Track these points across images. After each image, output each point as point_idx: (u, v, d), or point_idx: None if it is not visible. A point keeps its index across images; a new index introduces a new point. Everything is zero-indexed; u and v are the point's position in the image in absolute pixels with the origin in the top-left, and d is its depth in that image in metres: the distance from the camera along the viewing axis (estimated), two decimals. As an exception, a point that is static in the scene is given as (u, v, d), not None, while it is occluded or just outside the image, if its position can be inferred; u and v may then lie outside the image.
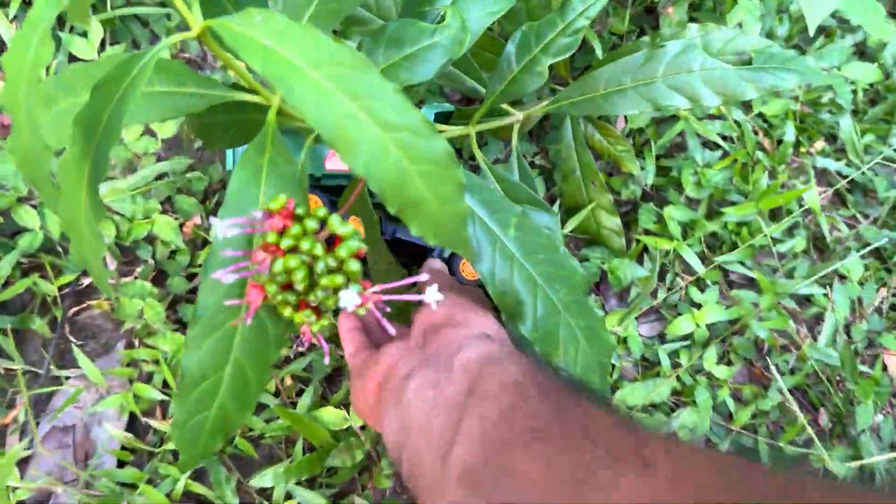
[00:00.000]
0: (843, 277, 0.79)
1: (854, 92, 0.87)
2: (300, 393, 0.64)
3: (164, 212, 0.68)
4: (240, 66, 0.37)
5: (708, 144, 0.83)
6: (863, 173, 0.84)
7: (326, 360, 0.37)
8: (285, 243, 0.33)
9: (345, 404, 0.63)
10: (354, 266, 0.34)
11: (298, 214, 0.34)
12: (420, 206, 0.32)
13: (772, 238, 0.78)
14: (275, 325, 0.38)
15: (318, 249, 0.33)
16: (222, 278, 0.34)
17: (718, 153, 0.81)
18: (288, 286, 0.35)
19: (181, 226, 0.68)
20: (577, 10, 0.54)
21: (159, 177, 0.69)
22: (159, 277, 0.68)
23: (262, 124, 0.39)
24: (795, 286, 0.76)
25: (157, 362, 0.64)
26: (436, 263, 0.56)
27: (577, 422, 0.29)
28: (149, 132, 0.71)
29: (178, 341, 0.64)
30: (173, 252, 0.68)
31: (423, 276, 0.36)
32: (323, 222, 0.34)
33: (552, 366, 0.42)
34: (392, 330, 0.35)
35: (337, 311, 0.38)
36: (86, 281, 0.68)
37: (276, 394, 0.65)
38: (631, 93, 0.62)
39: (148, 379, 0.65)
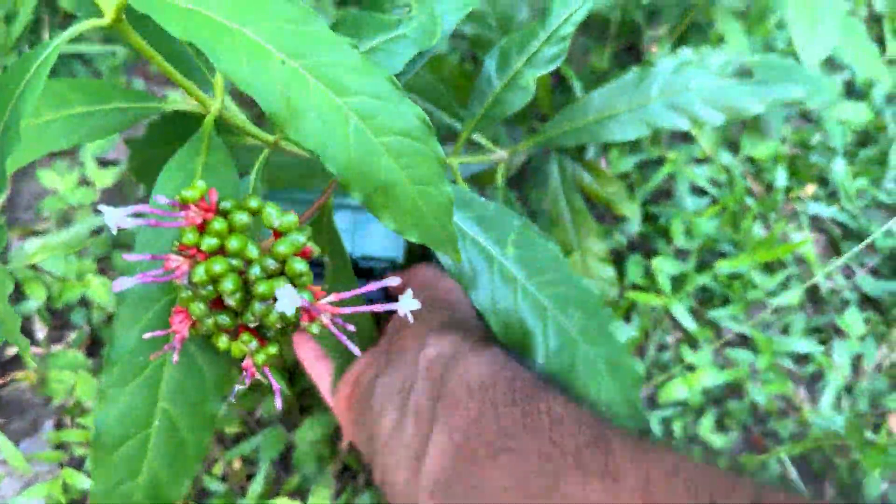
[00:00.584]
0: (839, 332, 0.74)
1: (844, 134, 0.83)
2: (251, 476, 0.57)
3: (101, 270, 0.61)
4: (166, 65, 0.30)
5: (696, 190, 0.78)
6: (856, 219, 0.79)
7: (279, 404, 0.30)
8: (207, 243, 0.26)
9: (300, 492, 0.56)
10: (299, 266, 0.27)
11: (224, 209, 0.27)
12: (392, 190, 0.26)
13: (765, 291, 0.73)
14: (212, 365, 0.31)
15: (252, 250, 0.26)
16: (124, 285, 0.27)
17: (706, 199, 0.77)
18: (218, 304, 0.28)
19: (120, 287, 0.61)
20: (561, 17, 0.48)
21: (97, 231, 0.62)
22: (95, 344, 0.61)
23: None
24: (792, 343, 0.71)
25: (89, 444, 0.57)
26: (432, 265, 0.50)
27: (544, 429, 0.29)
28: (85, 182, 0.64)
29: (114, 420, 0.56)
30: (111, 316, 0.60)
31: (393, 280, 0.29)
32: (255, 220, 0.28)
33: (517, 353, 0.38)
34: (357, 350, 0.29)
35: (286, 332, 0.30)
36: (11, 350, 0.60)
37: (224, 478, 0.57)
38: (626, 116, 0.57)
39: (79, 464, 0.57)
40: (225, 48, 0.24)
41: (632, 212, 0.72)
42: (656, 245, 0.74)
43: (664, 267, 0.71)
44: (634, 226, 0.74)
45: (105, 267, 0.62)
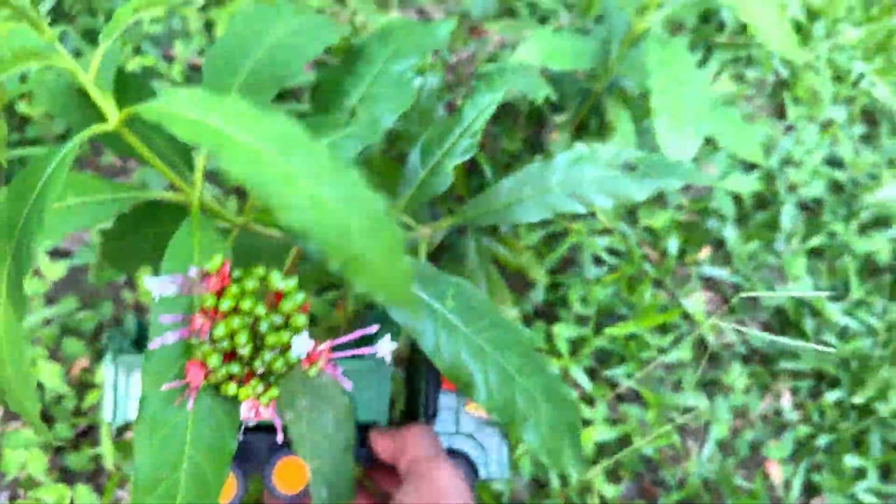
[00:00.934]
0: (727, 386, 0.82)
1: (740, 199, 0.92)
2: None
3: (51, 357, 0.69)
4: (158, 162, 0.38)
5: (598, 259, 0.86)
6: (748, 279, 0.88)
7: (280, 438, 0.35)
8: (225, 305, 0.32)
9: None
10: (301, 320, 0.33)
11: (236, 277, 0.33)
12: (363, 259, 0.32)
13: (660, 349, 0.81)
14: (227, 413, 0.35)
15: (261, 309, 0.33)
16: (162, 341, 0.33)
17: (607, 267, 0.85)
18: (231, 355, 0.33)
19: (69, 370, 0.69)
20: (471, 116, 0.57)
21: (48, 320, 0.70)
22: (47, 422, 0.68)
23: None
24: (680, 398, 0.79)
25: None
26: (423, 429, 0.50)
27: None
28: (37, 274, 0.72)
29: (62, 492, 0.64)
30: (61, 397, 0.68)
31: (372, 328, 0.35)
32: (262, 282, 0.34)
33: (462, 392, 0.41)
34: (348, 385, 0.34)
35: (284, 376, 0.35)
36: (-29, 429, 0.68)
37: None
38: (530, 202, 0.65)
39: (30, 531, 0.65)
40: (225, 150, 0.30)
41: (542, 276, 0.81)
42: (559, 312, 0.82)
43: (563, 332, 0.79)
44: (540, 294, 0.82)
45: (56, 354, 0.70)
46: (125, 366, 0.49)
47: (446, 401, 0.53)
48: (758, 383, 0.82)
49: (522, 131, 0.88)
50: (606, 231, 0.87)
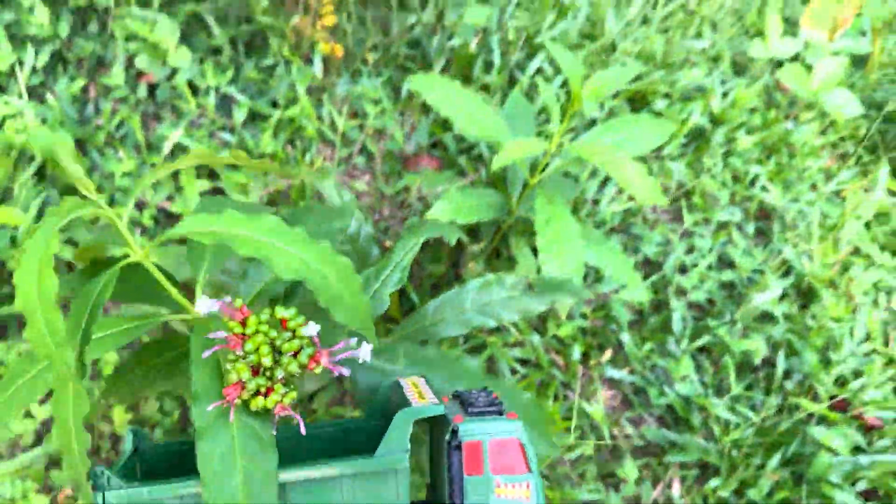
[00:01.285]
0: (623, 478, 0.95)
1: (639, 305, 1.06)
2: None
3: (41, 488, 0.82)
4: (170, 287, 0.53)
5: (514, 369, 1.00)
6: (644, 377, 1.02)
7: (303, 430, 0.46)
8: (249, 329, 0.46)
9: None
10: (305, 331, 0.47)
11: (254, 312, 0.48)
12: (339, 298, 0.49)
13: (566, 447, 0.95)
14: (260, 424, 0.48)
15: (273, 332, 0.47)
16: (208, 354, 0.47)
17: (521, 374, 0.99)
18: (255, 372, 0.46)
19: (55, 497, 0.82)
20: (400, 255, 0.72)
21: (39, 455, 0.83)
22: (37, 542, 0.81)
23: (181, 357, 0.57)
24: (582, 492, 0.92)
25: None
26: None
27: None
28: (27, 414, 0.85)
29: None
30: (49, 522, 0.81)
31: (353, 339, 0.49)
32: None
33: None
34: (346, 371, 0.48)
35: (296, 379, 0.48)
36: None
37: None
38: (451, 319, 0.80)
39: None
40: (234, 243, 0.48)
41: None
42: (478, 418, 0.96)
43: (480, 439, 0.93)
44: (461, 403, 0.96)
45: (44, 487, 0.83)
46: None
47: (473, 486, 0.51)
48: (651, 473, 0.96)
49: (447, 257, 1.02)
50: (519, 343, 1.01)
